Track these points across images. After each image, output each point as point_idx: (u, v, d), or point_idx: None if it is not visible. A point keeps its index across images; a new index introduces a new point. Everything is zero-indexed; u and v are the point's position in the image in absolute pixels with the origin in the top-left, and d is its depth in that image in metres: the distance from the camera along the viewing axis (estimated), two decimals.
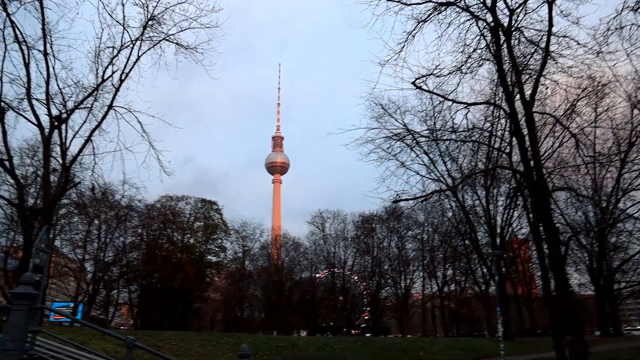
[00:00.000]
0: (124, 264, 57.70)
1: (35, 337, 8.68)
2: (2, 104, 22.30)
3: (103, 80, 23.69)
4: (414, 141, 28.60)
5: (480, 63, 18.81)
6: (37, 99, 23.35)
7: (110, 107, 23.42)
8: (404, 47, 17.00)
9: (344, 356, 23.64)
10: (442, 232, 61.29)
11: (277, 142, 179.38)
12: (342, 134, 22.91)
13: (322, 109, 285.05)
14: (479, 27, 17.95)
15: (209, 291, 69.13)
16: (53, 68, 23.10)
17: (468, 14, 17.49)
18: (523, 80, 18.39)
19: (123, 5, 22.15)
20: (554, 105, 26.74)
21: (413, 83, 18.21)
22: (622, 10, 13.48)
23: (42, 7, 21.81)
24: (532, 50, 18.65)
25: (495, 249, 35.78)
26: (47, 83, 23.06)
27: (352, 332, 64.91)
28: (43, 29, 22.21)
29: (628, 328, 70.11)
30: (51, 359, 10.59)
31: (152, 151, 22.55)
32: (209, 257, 65.45)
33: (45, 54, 22.66)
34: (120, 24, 22.73)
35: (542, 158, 23.80)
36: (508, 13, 17.18)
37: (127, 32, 23.12)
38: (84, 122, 23.95)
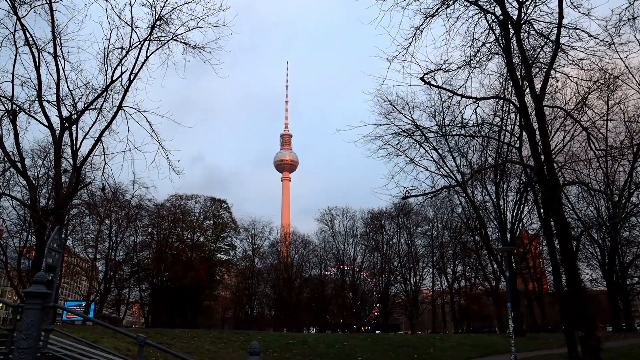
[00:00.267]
0: (135, 263, 58.38)
1: (48, 336, 8.80)
2: (14, 106, 22.65)
3: (112, 81, 23.93)
4: (423, 137, 28.32)
5: (490, 57, 18.56)
6: (47, 101, 23.81)
7: (119, 107, 23.66)
8: (411, 42, 16.83)
9: (353, 353, 23.61)
10: (451, 228, 61.03)
11: (286, 140, 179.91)
12: (350, 130, 22.74)
13: (330, 106, 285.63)
14: (487, 21, 17.74)
15: (219, 289, 69.63)
16: (63, 70, 23.51)
17: (476, 7, 17.29)
18: (533, 74, 18.12)
19: (131, 6, 22.34)
20: (565, 98, 26.37)
21: (422, 78, 18.04)
22: (634, 1, 13.23)
23: (51, 10, 22.12)
24: (542, 43, 18.35)
25: (506, 245, 35.47)
26: (58, 85, 23.41)
27: (362, 329, 64.98)
28: (53, 31, 22.51)
29: None
30: (64, 357, 10.72)
31: (161, 150, 22.75)
32: (218, 255, 65.92)
33: (55, 56, 22.97)
34: (128, 24, 22.97)
35: (552, 152, 23.49)
36: (517, 6, 16.94)
37: (136, 32, 23.38)
38: (94, 122, 24.38)
